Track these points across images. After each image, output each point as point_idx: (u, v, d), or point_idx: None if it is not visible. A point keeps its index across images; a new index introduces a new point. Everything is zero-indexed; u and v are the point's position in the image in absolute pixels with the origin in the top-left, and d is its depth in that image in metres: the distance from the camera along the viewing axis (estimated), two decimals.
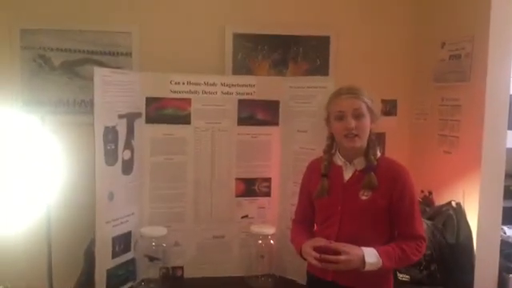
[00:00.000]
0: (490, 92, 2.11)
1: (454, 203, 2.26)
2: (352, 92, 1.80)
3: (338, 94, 1.83)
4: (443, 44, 2.43)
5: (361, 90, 1.81)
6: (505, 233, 2.40)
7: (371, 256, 1.70)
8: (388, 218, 1.81)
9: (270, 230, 2.28)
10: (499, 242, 2.18)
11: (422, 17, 2.68)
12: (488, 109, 2.11)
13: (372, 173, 1.79)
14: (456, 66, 2.31)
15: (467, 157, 2.22)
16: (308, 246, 1.78)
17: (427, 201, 2.48)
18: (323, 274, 1.83)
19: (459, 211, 2.21)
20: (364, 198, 1.79)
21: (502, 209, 2.17)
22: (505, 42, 2.11)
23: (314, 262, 1.73)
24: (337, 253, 1.70)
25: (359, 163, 1.83)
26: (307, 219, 2.00)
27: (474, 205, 2.16)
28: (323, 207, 1.89)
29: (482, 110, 2.12)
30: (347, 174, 1.85)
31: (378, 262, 1.70)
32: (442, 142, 2.43)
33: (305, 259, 1.84)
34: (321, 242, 1.77)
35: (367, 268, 1.70)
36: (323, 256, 1.71)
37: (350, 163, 1.85)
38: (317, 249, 1.74)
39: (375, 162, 1.81)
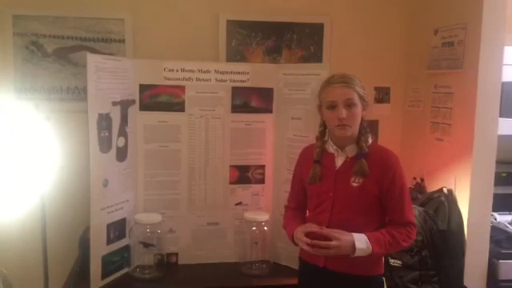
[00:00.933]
0: (482, 79, 2.12)
1: (445, 190, 2.28)
2: (344, 81, 1.80)
3: (329, 83, 1.83)
4: (436, 31, 2.44)
5: (353, 78, 1.82)
6: (495, 219, 2.43)
7: (361, 242, 1.73)
8: (379, 205, 1.83)
9: (263, 217, 2.30)
10: (489, 228, 2.21)
11: (415, 4, 2.68)
12: (480, 96, 2.12)
13: (363, 160, 1.81)
14: (449, 54, 2.32)
15: (459, 144, 2.24)
16: (299, 232, 1.80)
17: (419, 187, 2.50)
18: (315, 260, 1.86)
19: (451, 198, 2.24)
20: (355, 184, 1.81)
21: (492, 195, 2.19)
22: (497, 29, 2.11)
23: (306, 247, 1.76)
24: (327, 239, 1.72)
25: (351, 150, 1.85)
26: (299, 205, 2.02)
27: (465, 191, 2.18)
28: (315, 193, 1.90)
29: (473, 98, 2.13)
30: (339, 161, 1.86)
31: (368, 248, 1.73)
32: (435, 129, 2.44)
33: (297, 245, 1.86)
34: (312, 227, 1.79)
35: (357, 254, 1.72)
36: (314, 242, 1.73)
37: (342, 150, 1.86)
38: (308, 235, 1.76)
39: (367, 150, 1.82)
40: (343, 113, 1.77)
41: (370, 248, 1.73)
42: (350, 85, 1.79)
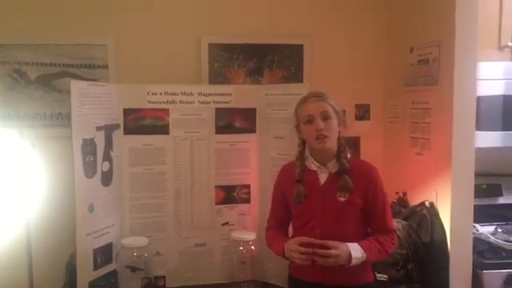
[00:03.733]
0: (458, 95, 2.17)
1: (427, 203, 2.32)
2: (317, 95, 1.89)
3: (304, 100, 1.91)
4: (412, 49, 2.51)
5: (326, 94, 1.91)
6: (477, 230, 2.47)
7: (356, 251, 1.78)
8: (363, 216, 1.89)
9: (250, 236, 2.30)
10: (472, 240, 2.25)
11: (391, 23, 2.76)
12: (456, 111, 2.18)
13: (346, 175, 1.86)
14: (424, 71, 2.39)
15: (438, 158, 2.29)
16: (292, 244, 1.82)
17: (402, 202, 2.54)
18: (308, 275, 1.87)
19: (433, 211, 2.28)
20: (342, 199, 1.86)
21: (473, 207, 2.23)
22: (470, 46, 2.18)
23: (302, 257, 1.77)
24: (323, 249, 1.75)
25: (333, 166, 1.90)
26: (281, 224, 2.04)
27: (446, 204, 2.22)
28: (302, 212, 1.92)
29: (450, 113, 2.18)
30: (323, 178, 1.90)
31: (362, 257, 1.78)
32: (414, 144, 2.50)
33: (287, 259, 1.87)
34: (306, 239, 1.81)
35: (353, 262, 1.76)
36: (315, 250, 1.75)
37: (324, 167, 1.90)
38: (303, 245, 1.78)
39: (348, 165, 1.88)
40: (321, 124, 1.83)
41: (364, 256, 1.78)
42: (324, 99, 1.88)
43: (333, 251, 1.74)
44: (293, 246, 1.81)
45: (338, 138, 1.90)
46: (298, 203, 1.91)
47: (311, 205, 1.89)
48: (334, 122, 1.87)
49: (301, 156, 1.96)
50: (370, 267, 1.94)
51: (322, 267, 1.79)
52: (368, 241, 1.85)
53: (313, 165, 1.93)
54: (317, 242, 1.78)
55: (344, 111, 2.66)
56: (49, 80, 2.45)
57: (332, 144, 1.88)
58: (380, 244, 1.85)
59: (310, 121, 1.86)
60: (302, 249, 1.78)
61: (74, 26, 2.46)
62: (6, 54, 2.40)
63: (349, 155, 1.91)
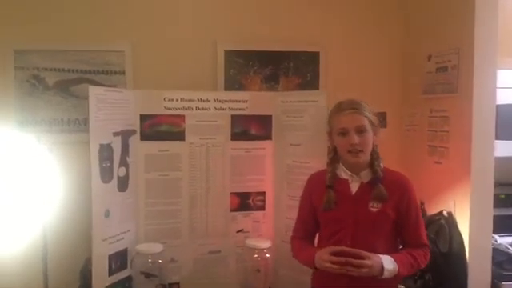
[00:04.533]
0: (477, 103, 2.15)
1: (445, 213, 2.29)
2: (354, 107, 1.81)
3: (339, 110, 1.84)
4: (430, 57, 2.49)
5: (362, 104, 1.83)
6: (496, 241, 2.43)
7: (388, 263, 1.73)
8: (395, 228, 1.84)
9: (265, 244, 2.29)
10: (491, 250, 2.21)
11: (409, 30, 2.74)
12: (475, 119, 2.15)
13: (380, 185, 1.81)
14: (443, 78, 2.37)
15: (457, 167, 2.26)
16: (324, 253, 1.76)
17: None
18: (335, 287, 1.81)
19: (451, 220, 2.24)
20: (374, 209, 1.81)
21: (492, 217, 2.20)
22: (489, 53, 2.16)
23: (334, 267, 1.71)
24: (358, 258, 1.70)
25: (365, 175, 1.85)
26: (308, 235, 1.99)
27: (465, 214, 2.19)
28: (331, 221, 1.87)
29: (469, 121, 2.16)
30: (354, 187, 1.86)
31: (394, 269, 1.73)
32: (432, 152, 2.47)
33: (316, 269, 1.81)
34: (335, 248, 1.76)
35: (385, 275, 1.71)
36: (348, 260, 1.69)
37: (357, 175, 1.86)
38: (335, 254, 1.73)
39: (381, 174, 1.83)
40: (355, 139, 1.78)
41: (397, 269, 1.73)
42: (359, 111, 1.80)
43: (366, 261, 1.69)
44: (325, 255, 1.75)
45: (372, 148, 1.84)
46: (327, 209, 1.85)
47: (342, 214, 1.83)
48: (370, 135, 1.81)
49: (332, 162, 1.91)
50: (397, 281, 1.88)
51: (348, 279, 1.74)
52: (401, 254, 1.80)
53: (344, 173, 1.88)
54: (350, 250, 1.73)
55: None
56: (67, 86, 2.47)
57: (366, 157, 1.83)
58: (413, 258, 1.79)
59: (344, 133, 1.80)
60: (335, 258, 1.72)
61: (92, 32, 2.49)
62: (24, 59, 2.43)
63: (382, 164, 1.87)
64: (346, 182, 1.87)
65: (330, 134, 1.90)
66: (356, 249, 1.73)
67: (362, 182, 1.85)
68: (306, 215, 1.98)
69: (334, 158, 1.91)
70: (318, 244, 1.95)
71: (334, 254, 1.74)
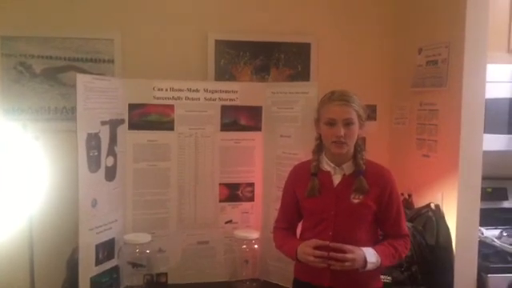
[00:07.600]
0: (466, 97, 2.16)
1: (433, 205, 2.30)
2: (344, 99, 1.80)
3: (330, 100, 1.83)
4: (420, 50, 2.49)
5: (352, 96, 1.82)
6: (482, 234, 2.46)
7: (371, 255, 1.74)
8: (375, 220, 1.86)
9: (253, 235, 2.29)
10: (477, 243, 2.23)
11: (399, 23, 2.74)
12: (464, 113, 2.16)
13: (362, 177, 1.82)
14: (433, 72, 2.37)
15: (445, 160, 2.27)
16: (307, 247, 1.77)
17: (407, 203, 2.52)
18: (318, 280, 1.83)
19: (438, 213, 2.26)
20: (356, 201, 1.82)
21: (479, 210, 2.22)
22: (480, 47, 2.16)
23: (317, 261, 1.72)
24: (340, 252, 1.72)
25: (348, 168, 1.86)
26: (290, 225, 1.99)
27: (452, 207, 2.21)
28: (314, 210, 1.87)
29: (458, 115, 2.17)
30: (336, 179, 1.86)
31: (377, 261, 1.75)
32: (421, 145, 2.48)
33: (298, 261, 1.82)
34: (318, 242, 1.77)
35: (368, 267, 1.73)
36: (331, 254, 1.71)
37: (339, 168, 1.86)
38: (318, 248, 1.74)
39: (364, 167, 1.84)
40: (341, 131, 1.77)
41: (379, 261, 1.75)
42: (350, 103, 1.80)
43: (349, 255, 1.70)
44: (307, 249, 1.76)
45: (356, 140, 1.85)
46: (311, 197, 1.85)
47: (324, 204, 1.84)
48: (356, 127, 1.81)
49: (318, 150, 1.91)
50: (380, 272, 1.90)
51: (332, 271, 1.75)
52: (383, 245, 1.81)
53: (326, 165, 1.88)
54: (332, 245, 1.74)
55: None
56: (54, 73, 2.44)
57: (349, 149, 1.84)
58: (394, 249, 1.81)
59: (332, 124, 1.80)
60: (318, 252, 1.73)
61: (81, 19, 2.45)
62: (11, 46, 2.39)
63: (364, 157, 1.87)
64: (328, 174, 1.87)
65: (317, 121, 1.90)
66: (339, 243, 1.74)
67: (344, 174, 1.86)
68: (289, 206, 1.98)
69: (320, 145, 1.91)
70: (301, 235, 1.95)
71: (317, 247, 1.75)
